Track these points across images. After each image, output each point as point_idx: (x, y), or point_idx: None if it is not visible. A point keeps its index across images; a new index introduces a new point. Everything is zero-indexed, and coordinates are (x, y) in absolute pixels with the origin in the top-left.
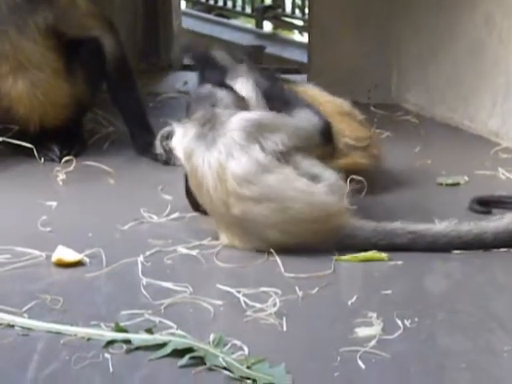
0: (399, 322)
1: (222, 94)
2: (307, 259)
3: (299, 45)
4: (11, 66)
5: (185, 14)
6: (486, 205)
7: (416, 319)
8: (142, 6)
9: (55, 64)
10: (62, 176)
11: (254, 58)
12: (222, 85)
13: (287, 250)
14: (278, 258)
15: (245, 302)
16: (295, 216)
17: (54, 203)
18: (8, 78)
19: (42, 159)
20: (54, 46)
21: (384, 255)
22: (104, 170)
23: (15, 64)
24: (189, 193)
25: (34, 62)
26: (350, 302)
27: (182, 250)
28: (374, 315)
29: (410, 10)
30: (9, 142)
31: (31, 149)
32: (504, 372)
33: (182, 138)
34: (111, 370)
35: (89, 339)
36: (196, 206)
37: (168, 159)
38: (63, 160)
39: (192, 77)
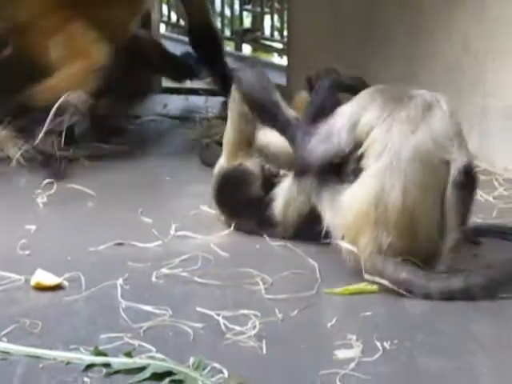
0: (378, 344)
1: None
2: (288, 281)
3: (278, 67)
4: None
5: (164, 37)
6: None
7: (395, 341)
8: None
9: None
10: (42, 199)
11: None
12: None
13: (268, 270)
14: (259, 280)
15: (224, 325)
16: None
17: (34, 226)
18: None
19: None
20: None
21: (375, 287)
22: (85, 192)
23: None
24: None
25: None
26: (329, 325)
27: (161, 272)
28: (354, 337)
29: (388, 32)
30: None
31: (11, 172)
32: None
33: None
34: None
35: (68, 363)
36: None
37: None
38: (44, 182)
39: (171, 100)
